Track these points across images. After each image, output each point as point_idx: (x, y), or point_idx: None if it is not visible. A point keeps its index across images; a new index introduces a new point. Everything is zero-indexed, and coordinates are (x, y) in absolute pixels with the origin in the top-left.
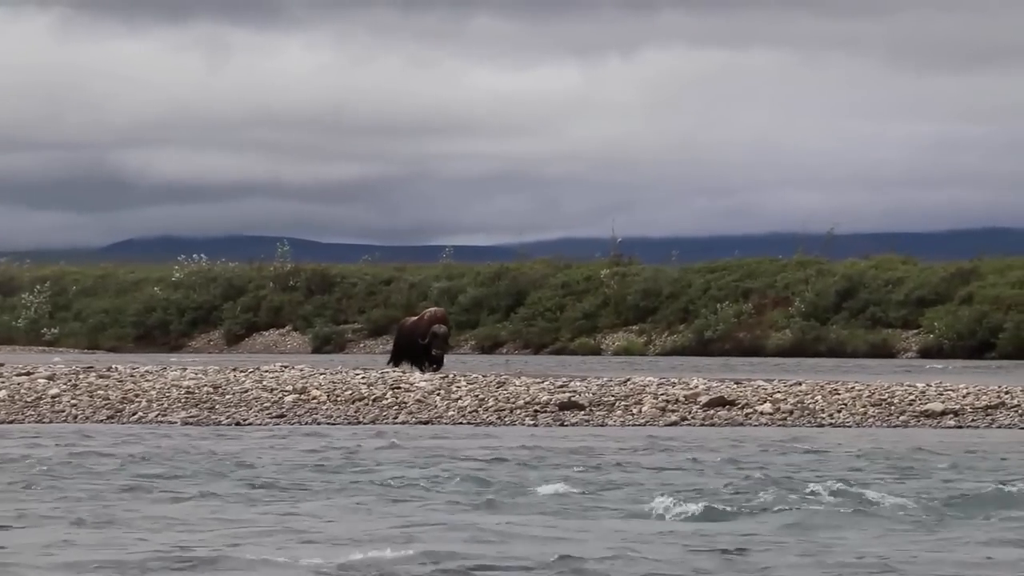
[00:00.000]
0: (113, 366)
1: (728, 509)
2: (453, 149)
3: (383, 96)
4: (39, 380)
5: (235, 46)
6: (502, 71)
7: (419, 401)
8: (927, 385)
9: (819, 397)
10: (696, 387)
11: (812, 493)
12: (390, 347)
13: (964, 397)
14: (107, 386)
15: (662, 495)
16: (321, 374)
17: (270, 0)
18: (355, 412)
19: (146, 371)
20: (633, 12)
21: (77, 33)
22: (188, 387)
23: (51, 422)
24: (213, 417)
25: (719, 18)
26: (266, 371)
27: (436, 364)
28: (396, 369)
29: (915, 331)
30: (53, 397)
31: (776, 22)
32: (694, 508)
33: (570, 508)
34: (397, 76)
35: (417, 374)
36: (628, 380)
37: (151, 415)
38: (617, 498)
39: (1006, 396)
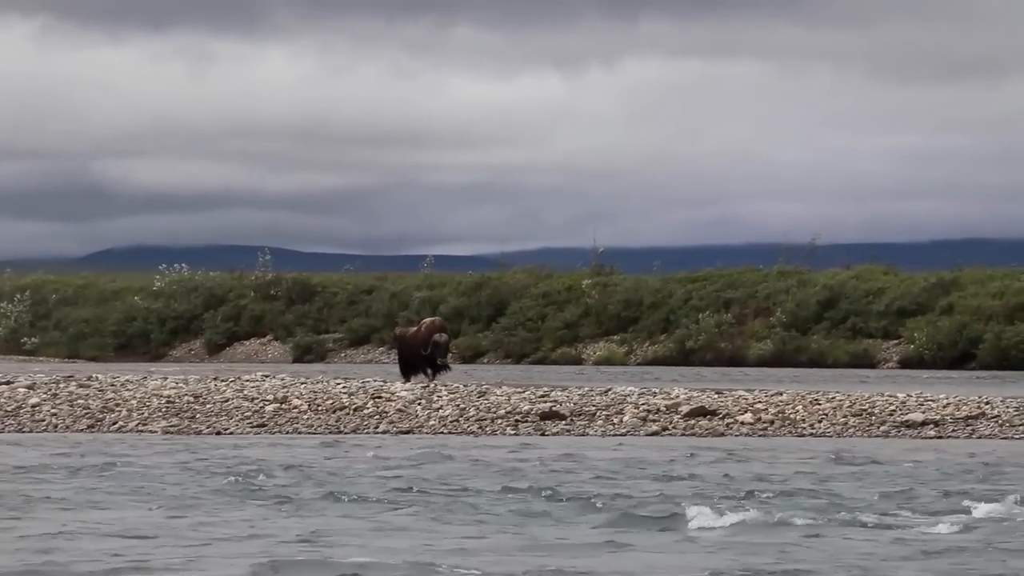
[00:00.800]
0: (93, 375)
1: None
2: (435, 159)
3: (365, 106)
4: (19, 389)
5: (217, 55)
6: (484, 81)
7: (400, 411)
8: (907, 395)
9: (800, 407)
10: (677, 397)
11: None
12: (371, 356)
13: (944, 407)
14: (87, 395)
15: None
16: (302, 383)
17: (252, 9)
18: (336, 422)
19: (126, 380)
20: (614, 22)
21: (59, 42)
22: (169, 396)
23: (31, 432)
24: (194, 427)
25: (700, 29)
26: (247, 380)
27: (443, 370)
28: (407, 382)
29: (896, 341)
30: (33, 407)
31: (757, 33)
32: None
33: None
34: (379, 86)
35: (399, 384)
36: (609, 390)
37: (131, 424)
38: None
39: (986, 407)
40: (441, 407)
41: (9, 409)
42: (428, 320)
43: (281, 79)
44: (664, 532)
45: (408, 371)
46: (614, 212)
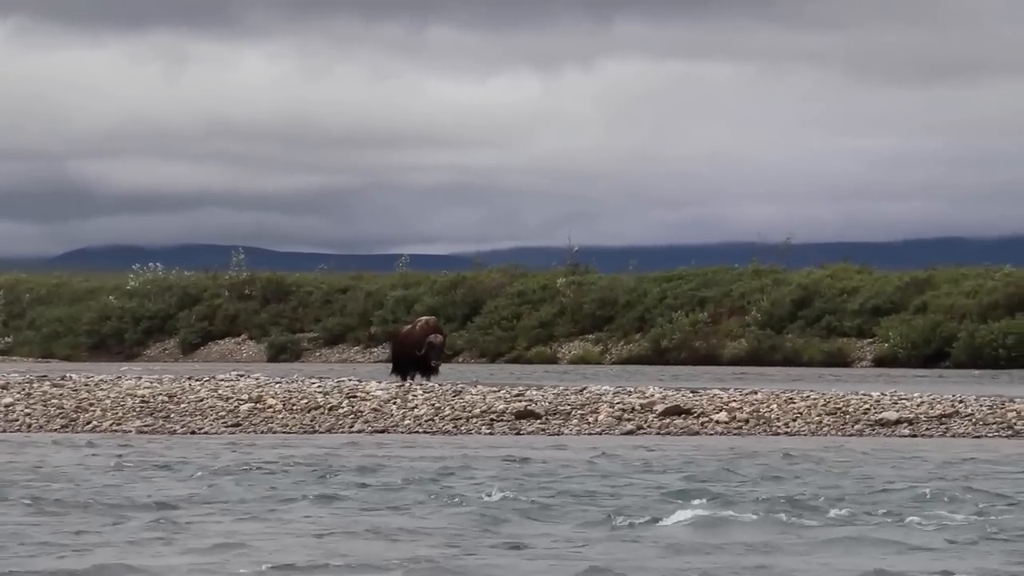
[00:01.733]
0: (67, 375)
1: None
2: (411, 159)
3: (342, 106)
4: None
5: (194, 56)
6: (462, 82)
7: (375, 410)
8: (882, 394)
9: (774, 406)
10: (652, 396)
11: None
12: (346, 356)
13: (918, 406)
14: (61, 395)
15: None
16: (277, 383)
17: (230, 10)
18: (311, 421)
19: (100, 380)
20: (592, 23)
21: (35, 42)
22: (143, 396)
23: (4, 431)
24: (168, 426)
25: (678, 30)
26: (221, 380)
27: (433, 373)
28: (400, 380)
29: (870, 340)
30: (6, 406)
31: (736, 34)
32: None
33: None
34: (357, 86)
35: (372, 384)
36: (584, 389)
37: (105, 424)
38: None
39: (960, 405)
40: (416, 406)
41: None
42: (423, 319)
43: (258, 80)
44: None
45: (399, 370)
46: (590, 212)
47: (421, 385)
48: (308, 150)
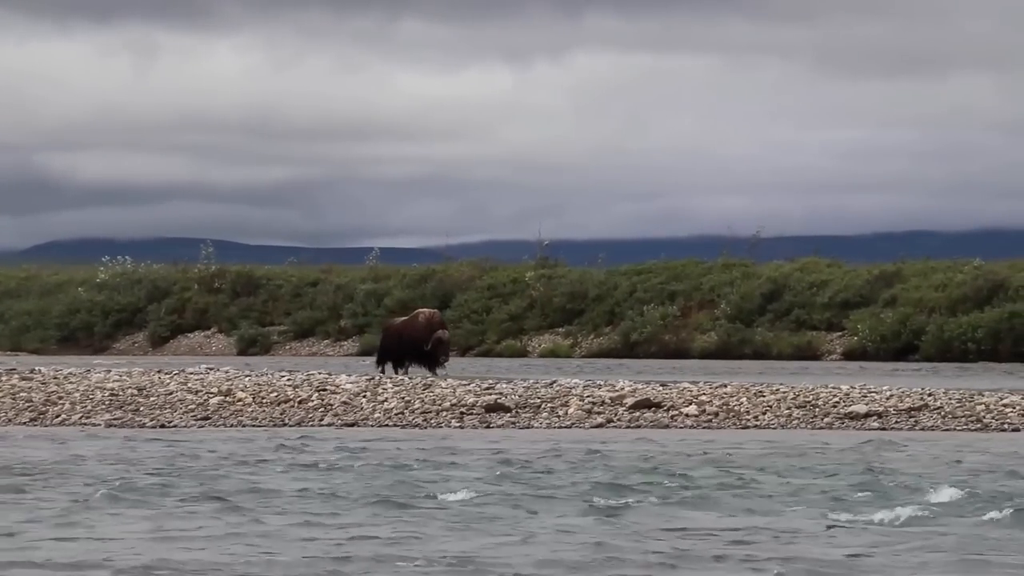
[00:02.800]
0: (36, 368)
1: None
2: (381, 152)
3: (312, 99)
4: None
5: (164, 48)
6: (431, 75)
7: (345, 403)
8: (851, 387)
9: (744, 399)
10: (622, 389)
11: None
12: (316, 349)
13: (888, 399)
14: (30, 388)
15: None
16: (247, 376)
17: (199, 2)
18: (281, 414)
19: (69, 373)
20: (562, 16)
21: (3, 34)
22: (112, 389)
23: None
24: (137, 419)
25: (648, 22)
26: (191, 373)
27: (437, 366)
28: (383, 372)
29: (839, 334)
30: None
31: (705, 27)
32: None
33: None
34: (326, 79)
35: (342, 377)
36: (554, 382)
37: (74, 417)
38: None
39: (929, 398)
40: (386, 400)
41: None
42: (426, 312)
43: (228, 72)
44: None
45: (391, 362)
46: (560, 206)
47: (391, 379)
48: (278, 142)
